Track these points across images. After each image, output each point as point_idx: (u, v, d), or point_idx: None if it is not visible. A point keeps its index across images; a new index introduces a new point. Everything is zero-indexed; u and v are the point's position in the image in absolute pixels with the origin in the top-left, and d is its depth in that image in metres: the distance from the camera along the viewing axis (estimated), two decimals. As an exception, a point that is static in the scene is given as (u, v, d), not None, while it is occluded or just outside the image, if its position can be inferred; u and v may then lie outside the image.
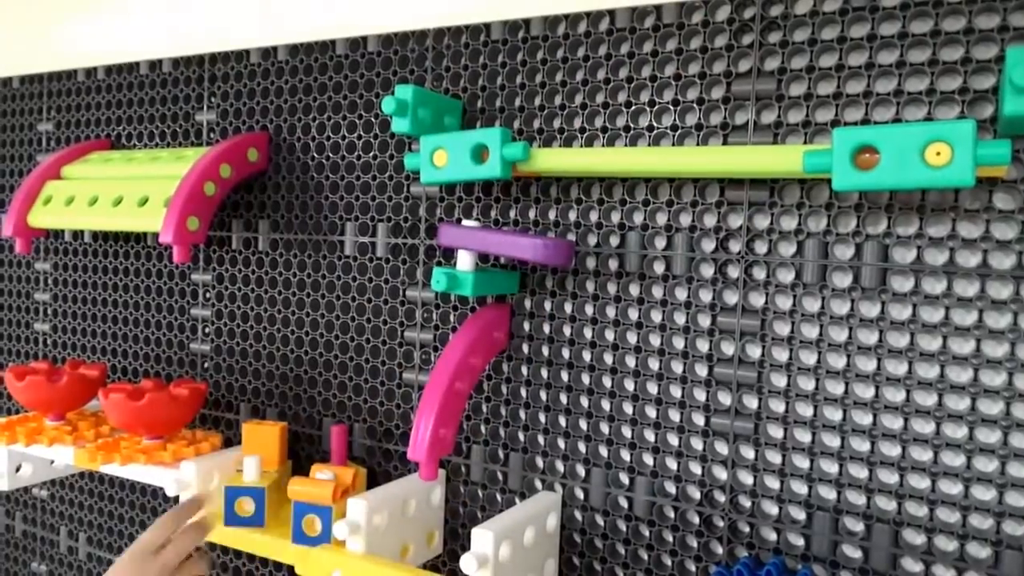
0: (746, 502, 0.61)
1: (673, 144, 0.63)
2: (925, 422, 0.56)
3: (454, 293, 0.67)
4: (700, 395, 0.63)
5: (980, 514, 0.54)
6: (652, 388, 0.65)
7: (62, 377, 0.81)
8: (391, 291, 0.76)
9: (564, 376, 0.68)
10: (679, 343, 0.63)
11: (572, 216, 0.67)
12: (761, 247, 0.60)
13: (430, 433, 0.61)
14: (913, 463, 0.56)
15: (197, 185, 0.75)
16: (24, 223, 0.86)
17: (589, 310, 0.67)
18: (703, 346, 0.63)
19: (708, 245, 0.62)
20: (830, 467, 0.59)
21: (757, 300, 0.61)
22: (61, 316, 0.99)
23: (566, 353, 0.68)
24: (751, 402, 0.61)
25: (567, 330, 0.68)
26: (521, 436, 0.70)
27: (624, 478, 0.66)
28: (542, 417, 0.69)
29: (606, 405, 0.66)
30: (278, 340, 0.83)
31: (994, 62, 0.53)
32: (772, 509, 0.61)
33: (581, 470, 0.68)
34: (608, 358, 0.66)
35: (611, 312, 0.66)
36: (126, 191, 0.81)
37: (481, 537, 0.58)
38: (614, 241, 0.66)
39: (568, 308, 0.68)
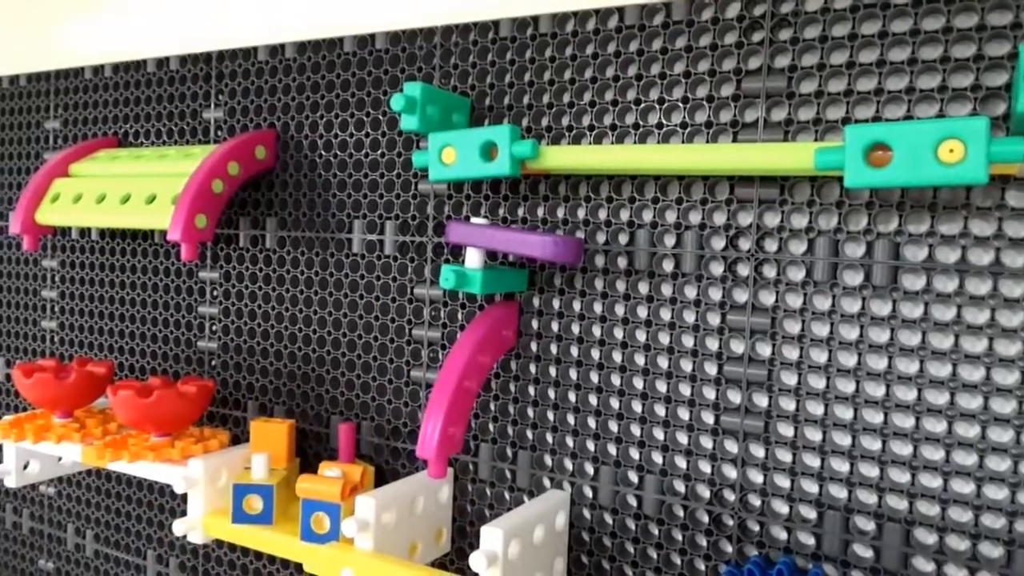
0: (756, 501, 0.61)
1: (683, 141, 0.63)
2: (937, 421, 0.56)
3: (462, 291, 0.67)
4: (710, 393, 0.62)
5: (992, 513, 0.54)
6: (661, 386, 0.65)
7: (70, 374, 0.82)
8: (399, 289, 0.76)
9: (573, 374, 0.68)
10: (688, 341, 0.63)
11: (581, 214, 0.67)
12: (771, 245, 0.60)
13: (439, 431, 0.60)
14: (925, 462, 0.56)
15: (205, 183, 0.75)
16: (32, 220, 0.86)
17: (598, 308, 0.67)
18: (713, 344, 0.62)
19: (718, 243, 0.62)
20: (841, 466, 0.58)
21: (767, 298, 0.61)
22: (69, 313, 0.99)
23: (575, 351, 0.68)
24: (761, 400, 0.61)
25: (576, 328, 0.67)
26: (529, 434, 0.70)
27: (633, 476, 0.66)
28: (551, 415, 0.69)
29: (615, 403, 0.66)
30: (286, 338, 0.83)
31: (1007, 59, 0.53)
32: (782, 508, 0.61)
33: (590, 468, 0.68)
34: (617, 356, 0.66)
35: (620, 310, 0.66)
36: (134, 189, 0.81)
37: (491, 535, 0.58)
38: (623, 239, 0.65)
39: (577, 306, 0.68)
